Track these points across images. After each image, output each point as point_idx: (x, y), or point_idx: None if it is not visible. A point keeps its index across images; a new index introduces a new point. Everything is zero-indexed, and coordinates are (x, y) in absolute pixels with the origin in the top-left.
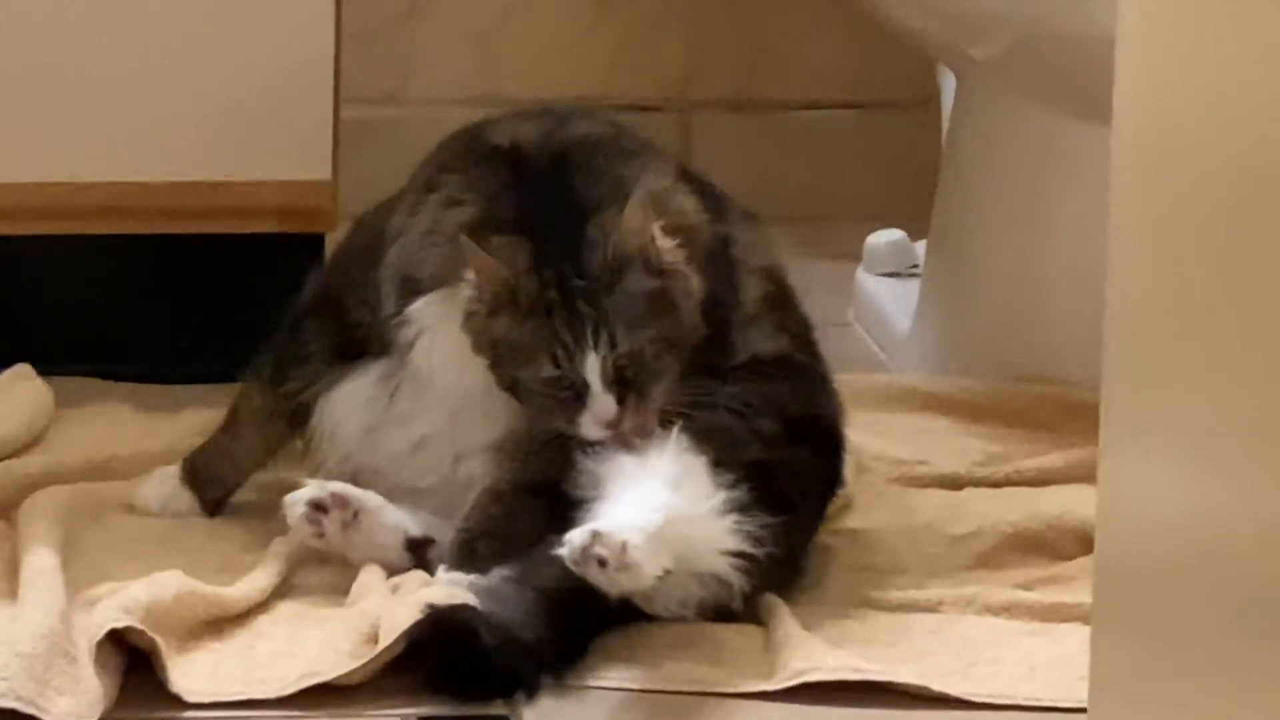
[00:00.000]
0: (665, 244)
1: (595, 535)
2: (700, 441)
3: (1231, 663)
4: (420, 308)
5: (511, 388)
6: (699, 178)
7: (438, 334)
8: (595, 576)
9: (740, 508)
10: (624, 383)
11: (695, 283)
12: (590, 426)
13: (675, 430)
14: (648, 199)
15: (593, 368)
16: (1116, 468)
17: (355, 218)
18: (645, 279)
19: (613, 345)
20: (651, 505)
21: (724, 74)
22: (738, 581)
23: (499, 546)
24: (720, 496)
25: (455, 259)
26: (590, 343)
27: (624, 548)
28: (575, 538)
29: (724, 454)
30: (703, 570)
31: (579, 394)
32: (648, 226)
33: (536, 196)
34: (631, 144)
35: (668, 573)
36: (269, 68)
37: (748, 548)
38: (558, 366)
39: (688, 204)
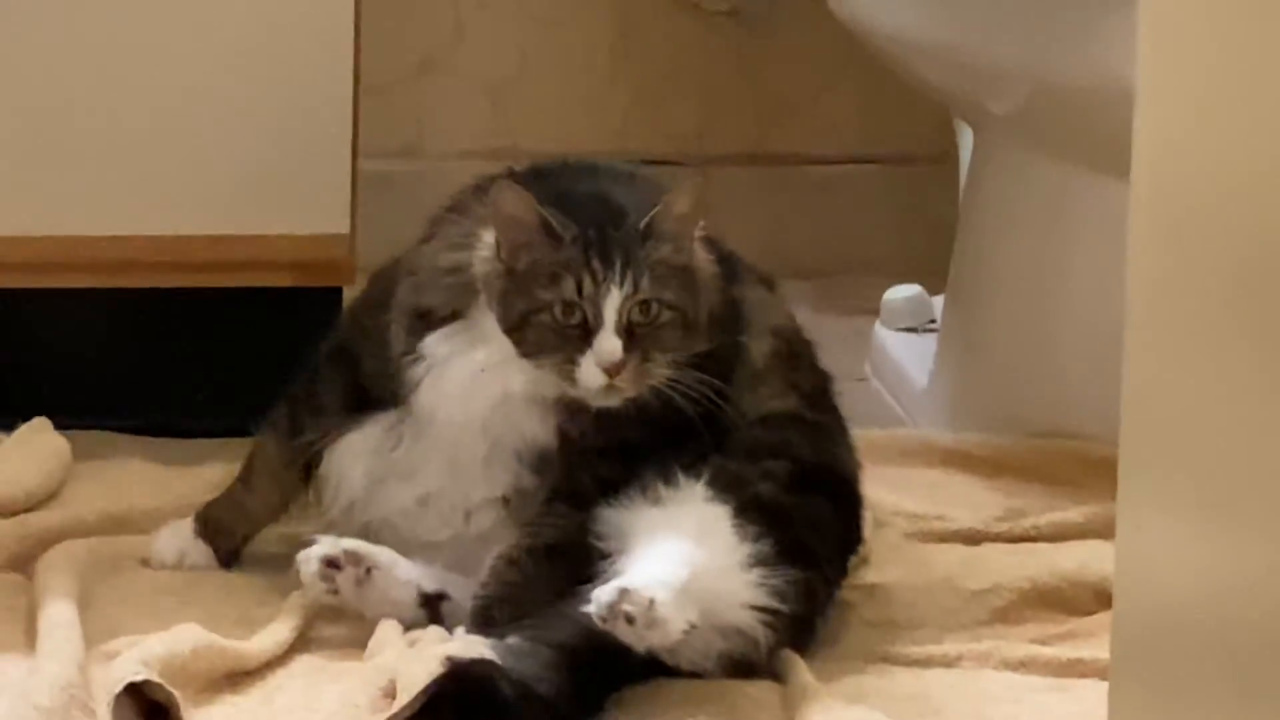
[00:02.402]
0: (700, 249)
1: (623, 592)
2: (721, 490)
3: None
4: (433, 341)
5: (518, 324)
6: (713, 239)
7: (447, 368)
8: (623, 633)
9: (764, 561)
10: (633, 334)
11: (710, 296)
12: (589, 367)
13: (695, 480)
14: (698, 188)
15: (612, 304)
16: (1134, 523)
17: (372, 271)
18: (676, 254)
19: (636, 287)
20: (676, 559)
21: (740, 128)
22: (762, 636)
23: (516, 611)
24: (745, 550)
25: (469, 289)
26: (617, 278)
27: (651, 604)
28: (603, 595)
29: (745, 502)
30: (727, 624)
31: (588, 332)
32: (695, 214)
33: (567, 188)
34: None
35: (693, 627)
36: (287, 121)
37: (772, 602)
38: (580, 292)
39: (704, 255)
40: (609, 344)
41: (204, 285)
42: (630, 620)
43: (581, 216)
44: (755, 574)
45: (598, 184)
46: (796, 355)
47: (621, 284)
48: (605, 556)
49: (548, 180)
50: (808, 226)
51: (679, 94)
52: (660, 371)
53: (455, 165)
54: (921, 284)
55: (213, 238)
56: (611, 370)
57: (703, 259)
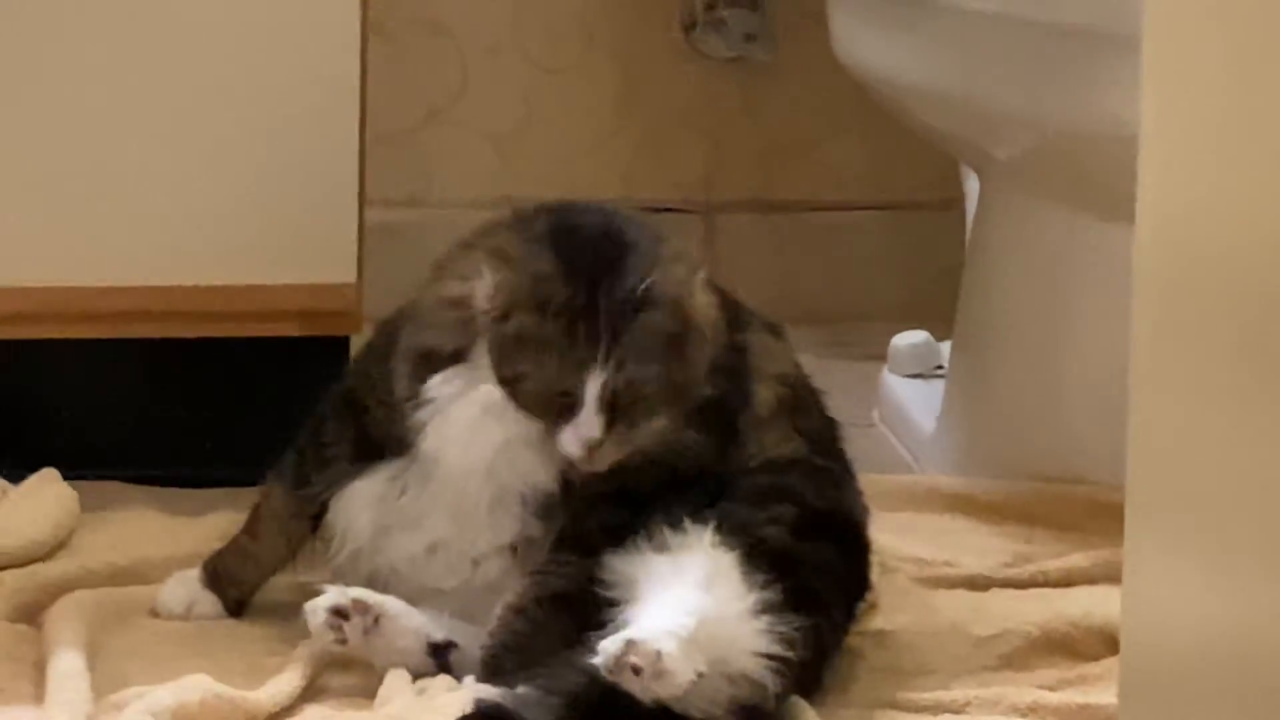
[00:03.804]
0: (703, 298)
1: (629, 644)
2: (728, 536)
3: None
4: (436, 383)
5: (508, 381)
6: (717, 286)
7: (450, 411)
8: (630, 684)
9: (772, 608)
10: (616, 409)
11: (710, 348)
12: (570, 441)
13: (703, 526)
14: (692, 254)
15: (593, 385)
16: (1141, 568)
17: (379, 321)
18: (670, 321)
19: (620, 368)
20: (684, 608)
21: (746, 175)
22: (770, 682)
23: (525, 660)
24: (753, 598)
25: (471, 325)
26: (601, 358)
27: (658, 656)
28: (610, 646)
29: (753, 548)
30: (735, 671)
31: (571, 405)
32: (690, 277)
33: (567, 230)
34: (656, 232)
35: (701, 676)
36: (294, 170)
37: (780, 649)
38: (561, 370)
39: (707, 300)
40: (588, 424)
41: (210, 335)
42: (636, 671)
43: (575, 276)
44: (763, 621)
45: (600, 233)
46: (802, 401)
47: (605, 365)
48: (613, 604)
49: (549, 228)
50: (815, 273)
51: (685, 141)
52: (648, 437)
53: (461, 214)
54: (929, 329)
55: (219, 288)
56: (589, 447)
57: (703, 305)
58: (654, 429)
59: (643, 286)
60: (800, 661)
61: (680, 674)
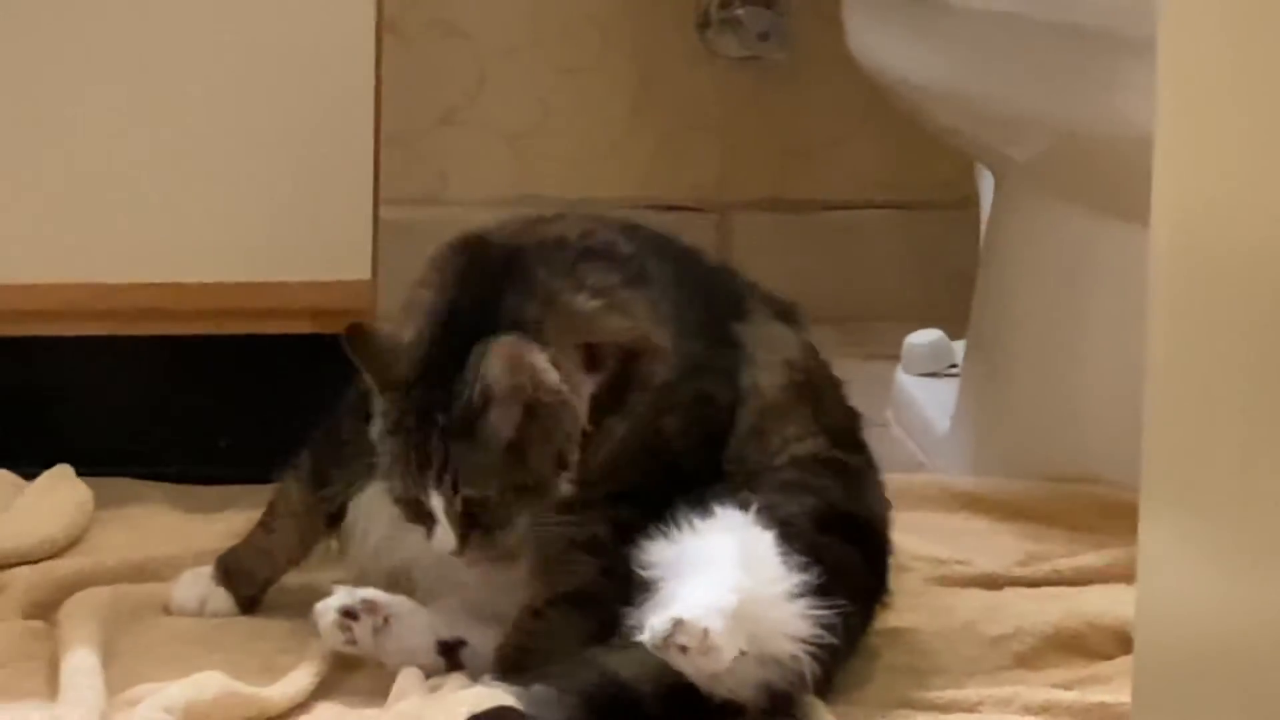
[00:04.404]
0: (548, 377)
1: (677, 623)
2: (760, 517)
3: None
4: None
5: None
6: (705, 270)
7: None
8: (676, 660)
9: (811, 592)
10: (471, 520)
11: (580, 410)
12: (436, 546)
13: (733, 510)
14: (516, 340)
15: (437, 504)
16: (1156, 567)
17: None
18: (504, 424)
19: (454, 491)
20: (725, 586)
21: (761, 174)
22: (807, 667)
23: (540, 660)
24: (792, 580)
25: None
26: (434, 482)
27: (706, 634)
28: (657, 625)
29: (786, 530)
30: (768, 654)
31: (429, 515)
32: (521, 365)
33: (471, 293)
34: (599, 245)
35: (743, 654)
36: (309, 168)
37: (819, 635)
38: (407, 490)
39: (619, 322)
40: (444, 536)
41: (225, 332)
42: (684, 650)
43: (426, 379)
44: (802, 605)
45: (499, 287)
46: (819, 389)
47: (440, 486)
48: (650, 585)
49: (451, 290)
50: (829, 272)
51: (700, 141)
52: (511, 535)
53: (477, 213)
54: (942, 329)
55: (234, 284)
56: (454, 554)
57: (549, 387)
58: (517, 527)
59: (473, 397)
60: (835, 649)
61: (726, 650)
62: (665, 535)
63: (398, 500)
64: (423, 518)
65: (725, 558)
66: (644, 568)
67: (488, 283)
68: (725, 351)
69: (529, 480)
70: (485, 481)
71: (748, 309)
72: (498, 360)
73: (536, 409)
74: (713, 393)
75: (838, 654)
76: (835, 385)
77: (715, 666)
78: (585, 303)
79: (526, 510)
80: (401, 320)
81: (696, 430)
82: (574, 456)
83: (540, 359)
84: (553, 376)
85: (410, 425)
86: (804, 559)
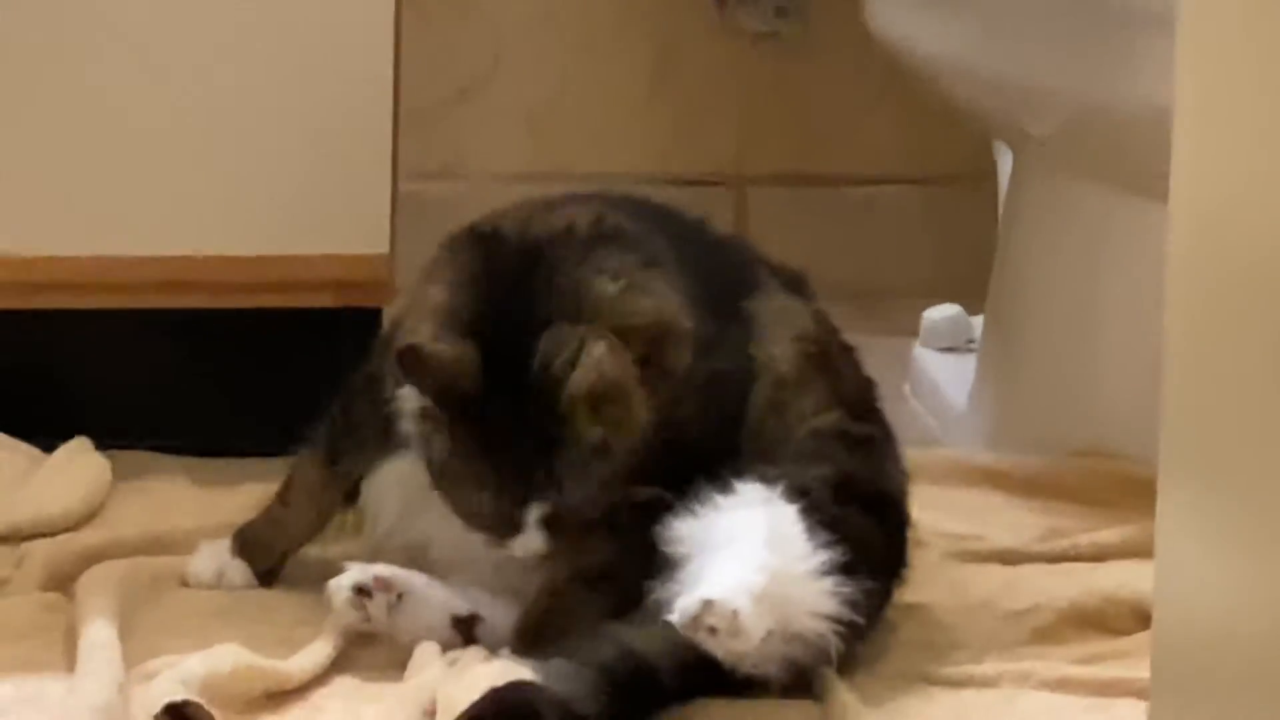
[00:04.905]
0: (623, 374)
1: (706, 604)
2: (785, 492)
3: None
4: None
5: (441, 494)
6: (712, 243)
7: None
8: (705, 641)
9: (836, 569)
10: (558, 525)
11: (643, 402)
12: (517, 550)
13: (753, 484)
14: (607, 349)
15: (533, 514)
16: (1173, 543)
17: (392, 315)
18: (592, 426)
19: (560, 498)
20: (752, 565)
21: (779, 150)
22: (833, 644)
23: (560, 637)
24: (818, 558)
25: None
26: (535, 492)
27: (735, 615)
28: (687, 606)
29: (808, 504)
30: (794, 631)
31: (514, 526)
32: (601, 367)
33: (498, 294)
34: (609, 230)
35: (770, 634)
36: (328, 143)
37: (845, 612)
38: (498, 506)
39: (645, 303)
40: (533, 541)
41: (244, 305)
42: (713, 631)
43: (492, 375)
44: (828, 582)
45: (527, 283)
46: (833, 361)
47: (543, 495)
48: (675, 562)
49: (473, 287)
50: (847, 247)
51: (718, 116)
52: (591, 531)
53: (494, 188)
54: (960, 304)
55: (253, 258)
56: (537, 557)
57: (624, 382)
58: (598, 523)
59: (564, 401)
60: (858, 626)
61: (754, 631)
62: (688, 512)
63: (477, 518)
64: (502, 530)
65: (751, 535)
66: (668, 545)
67: (510, 281)
68: (737, 328)
69: (615, 475)
70: (584, 481)
71: (758, 283)
72: (585, 371)
73: (616, 404)
74: (726, 371)
75: (860, 630)
76: (849, 353)
77: (744, 647)
78: (608, 286)
79: (606, 503)
80: (412, 318)
81: (712, 411)
82: (638, 446)
83: (620, 359)
84: (628, 372)
85: (498, 438)
86: (827, 534)
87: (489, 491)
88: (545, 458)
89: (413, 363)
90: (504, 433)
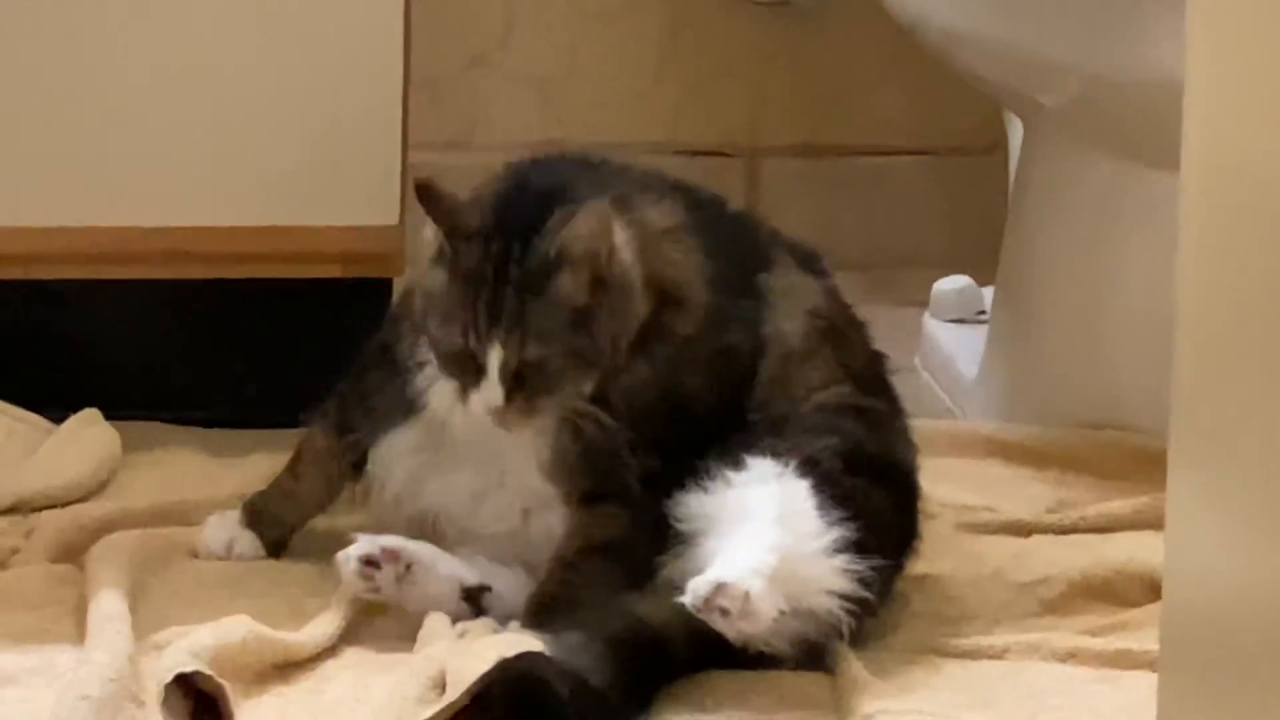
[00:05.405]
0: (623, 255)
1: (718, 587)
2: (796, 468)
3: None
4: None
5: (424, 333)
6: (729, 219)
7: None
8: (717, 622)
9: (848, 547)
10: (519, 380)
11: (641, 306)
12: (476, 404)
13: (763, 459)
14: (610, 206)
15: (494, 358)
16: (1184, 515)
17: (407, 283)
18: (577, 289)
19: (520, 347)
20: (764, 545)
21: (790, 120)
22: (844, 620)
23: (570, 609)
24: (830, 535)
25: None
26: (500, 336)
27: (746, 597)
28: (699, 587)
29: (820, 479)
30: (807, 608)
31: (478, 370)
32: (605, 233)
33: (523, 185)
34: (648, 180)
35: (782, 614)
36: (338, 114)
37: (856, 589)
38: (465, 342)
39: (678, 255)
40: (491, 392)
41: (254, 276)
42: (725, 613)
43: (495, 238)
44: (840, 560)
45: (545, 191)
46: (843, 335)
47: (505, 342)
48: (686, 538)
49: (507, 184)
50: (858, 217)
51: (730, 86)
52: (556, 405)
53: (505, 158)
54: (971, 275)
55: (263, 229)
56: (494, 414)
57: (623, 268)
58: (559, 400)
59: (551, 253)
60: (870, 602)
61: (766, 613)
62: (699, 487)
63: (445, 353)
64: (466, 374)
65: (763, 513)
66: (679, 520)
67: (542, 178)
68: (748, 302)
69: (587, 352)
70: (551, 341)
71: (771, 259)
72: (583, 223)
73: (607, 283)
74: (734, 344)
75: (871, 606)
76: (859, 328)
77: (755, 629)
78: (657, 221)
79: (572, 384)
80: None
81: (719, 384)
82: (624, 345)
83: (621, 235)
84: (627, 255)
85: (484, 275)
86: (839, 510)
87: (458, 325)
88: (522, 309)
89: (426, 191)
90: (496, 280)
